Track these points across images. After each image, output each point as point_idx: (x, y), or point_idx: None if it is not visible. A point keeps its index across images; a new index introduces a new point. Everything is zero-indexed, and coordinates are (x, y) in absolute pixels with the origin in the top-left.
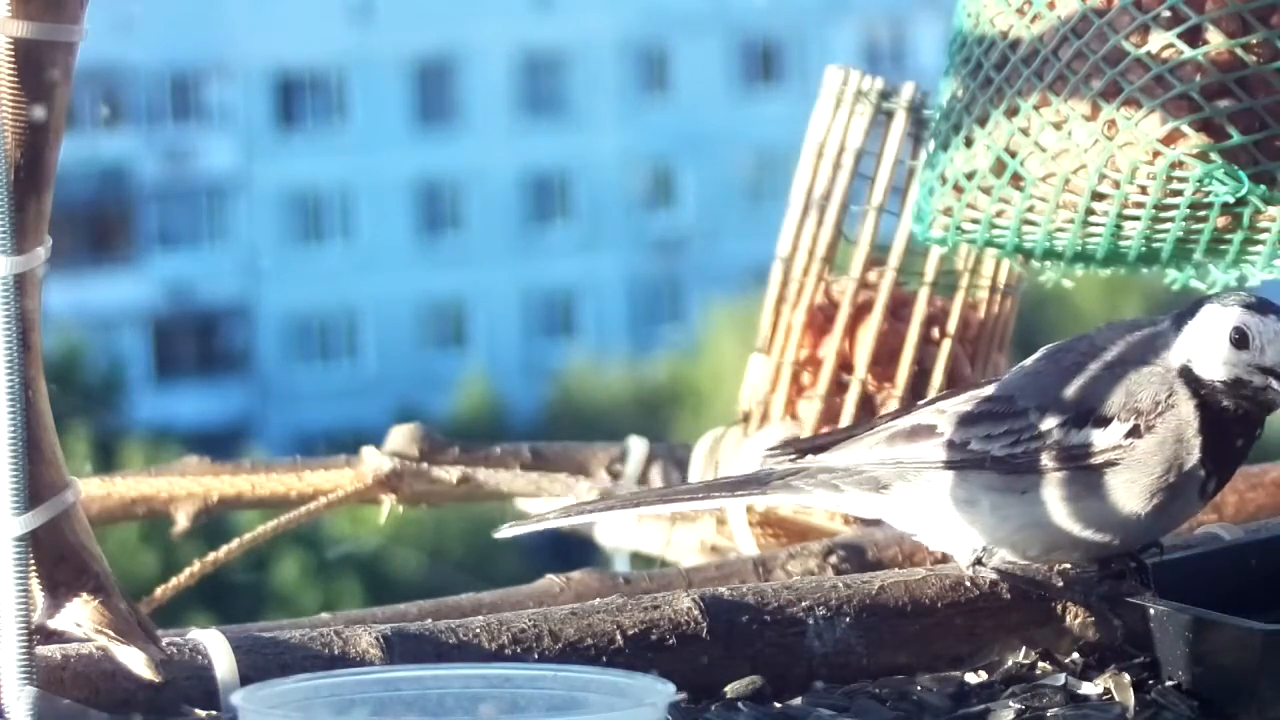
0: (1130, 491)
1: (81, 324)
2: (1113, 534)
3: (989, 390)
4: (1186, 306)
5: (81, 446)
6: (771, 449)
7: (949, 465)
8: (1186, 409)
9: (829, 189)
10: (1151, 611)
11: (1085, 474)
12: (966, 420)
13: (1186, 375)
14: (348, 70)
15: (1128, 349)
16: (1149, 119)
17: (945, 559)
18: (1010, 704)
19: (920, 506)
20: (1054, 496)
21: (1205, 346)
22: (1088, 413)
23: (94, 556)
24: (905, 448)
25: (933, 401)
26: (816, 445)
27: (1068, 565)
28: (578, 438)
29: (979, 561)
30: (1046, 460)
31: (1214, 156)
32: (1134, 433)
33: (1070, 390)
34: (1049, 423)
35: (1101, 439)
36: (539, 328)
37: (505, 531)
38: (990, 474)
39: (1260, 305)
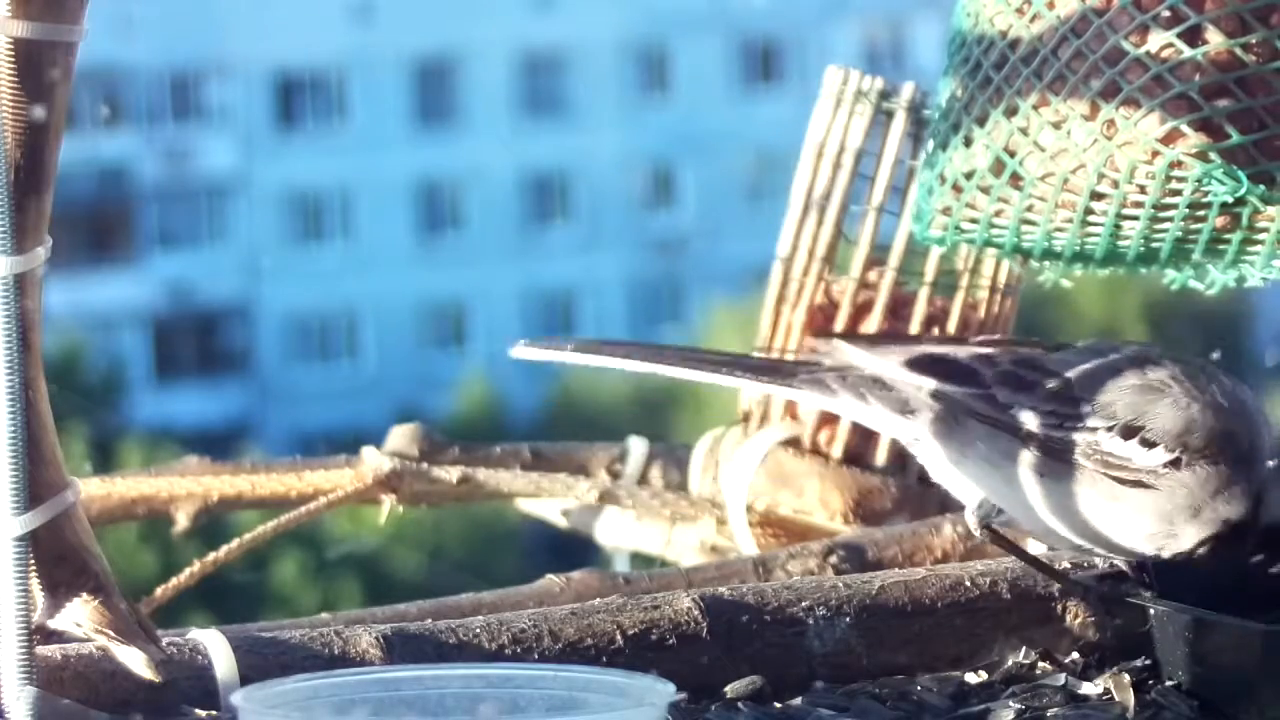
0: (1140, 515)
1: (81, 324)
2: (1108, 546)
3: (1047, 361)
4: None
5: (81, 447)
6: (814, 332)
7: (984, 419)
8: (1238, 478)
9: (829, 189)
10: (1151, 611)
11: (1107, 482)
12: (1017, 384)
13: (1259, 461)
14: (348, 70)
15: (1209, 385)
16: (1148, 119)
17: (945, 559)
18: (1010, 704)
19: (941, 445)
20: (1068, 490)
21: None
22: (1138, 428)
23: (94, 556)
24: (947, 384)
25: (986, 344)
26: (860, 337)
27: (1067, 566)
28: (578, 438)
29: (986, 519)
30: (1079, 456)
31: (1213, 156)
32: (1174, 464)
33: (1130, 399)
34: (1096, 421)
35: (1141, 458)
36: (539, 328)
37: (519, 351)
38: (1020, 445)
39: None
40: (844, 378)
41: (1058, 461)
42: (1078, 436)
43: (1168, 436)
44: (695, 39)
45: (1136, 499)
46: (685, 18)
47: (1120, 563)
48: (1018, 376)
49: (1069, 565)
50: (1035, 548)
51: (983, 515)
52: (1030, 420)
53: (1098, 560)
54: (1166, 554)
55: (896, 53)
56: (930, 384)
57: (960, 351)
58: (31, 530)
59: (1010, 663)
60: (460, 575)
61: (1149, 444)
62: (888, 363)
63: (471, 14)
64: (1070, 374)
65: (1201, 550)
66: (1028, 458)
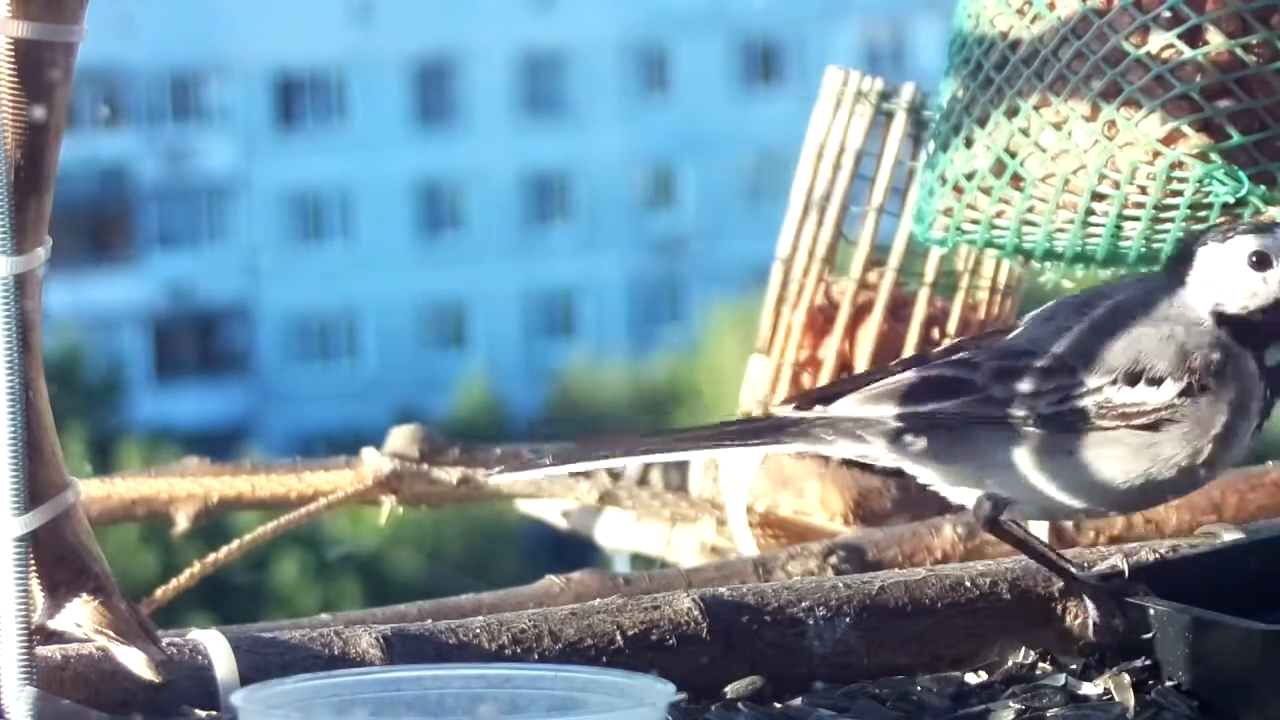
0: (1184, 448)
1: (81, 324)
2: (1158, 491)
3: (1019, 344)
4: (1173, 258)
5: (81, 447)
6: (783, 401)
7: (994, 421)
8: (1240, 357)
9: (829, 190)
10: (1151, 611)
11: (1135, 433)
12: (1006, 376)
13: (1221, 319)
14: (348, 70)
15: (1152, 304)
16: (1149, 119)
17: (945, 559)
18: (1010, 704)
19: (950, 460)
20: (1104, 456)
21: (1225, 284)
22: (1139, 372)
23: (94, 557)
24: (945, 403)
25: (951, 350)
26: (827, 395)
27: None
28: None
29: (993, 513)
30: (1097, 419)
31: (1214, 157)
32: (1188, 391)
33: (1114, 348)
34: (1097, 380)
35: (1155, 397)
36: (539, 328)
37: (496, 478)
38: (1034, 433)
39: (1260, 227)
40: (834, 425)
41: (1075, 434)
42: (1087, 402)
43: (1170, 369)
44: (695, 39)
45: (1172, 435)
46: (685, 18)
47: (1119, 561)
48: (1005, 369)
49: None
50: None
51: (987, 512)
52: (1037, 404)
53: (1110, 560)
54: (1218, 469)
55: (896, 53)
56: (927, 409)
57: (936, 369)
58: (31, 530)
59: (1010, 663)
60: (460, 575)
61: (1156, 381)
62: (880, 409)
63: (471, 14)
64: (1052, 347)
65: (1262, 420)
66: (1044, 442)
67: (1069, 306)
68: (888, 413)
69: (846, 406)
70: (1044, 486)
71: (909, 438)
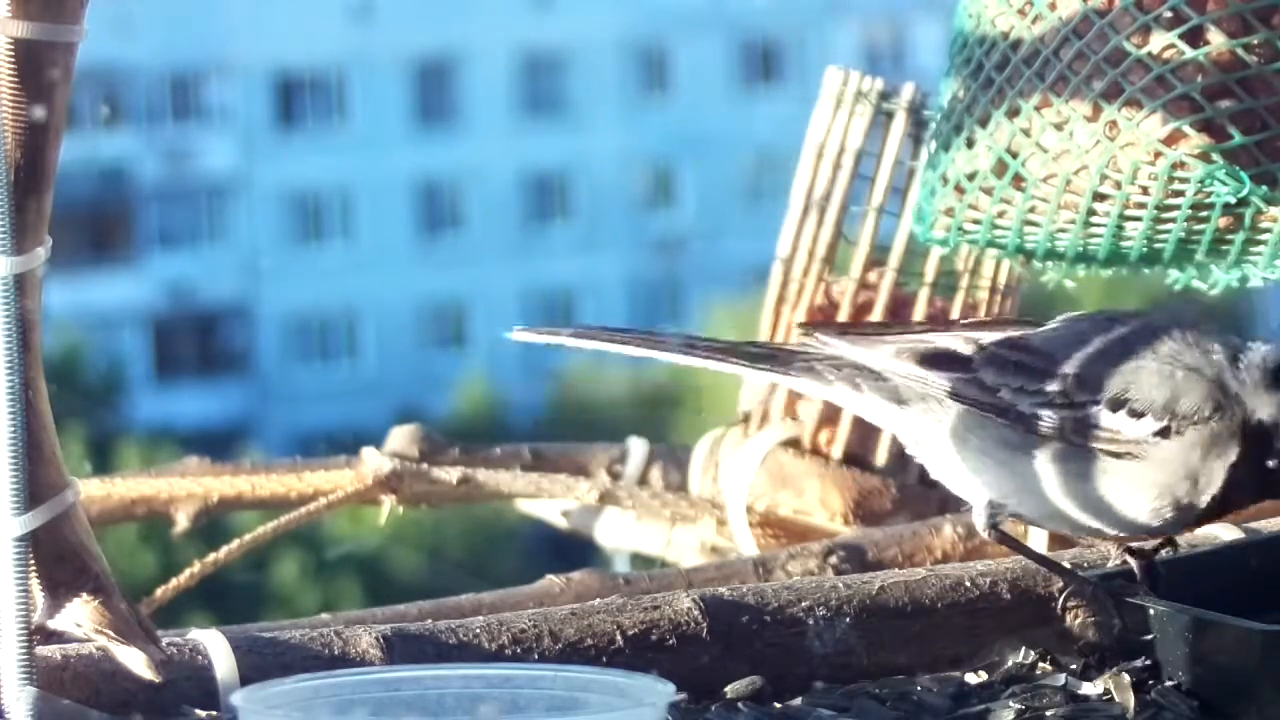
0: (1138, 488)
1: (81, 324)
2: (1104, 521)
3: (1032, 340)
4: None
5: (81, 447)
6: (806, 325)
7: (973, 404)
8: (1224, 432)
9: (829, 189)
10: (1151, 611)
11: (1101, 458)
12: (1002, 365)
13: (1238, 402)
14: (348, 70)
15: (1186, 350)
16: (1150, 120)
17: (945, 559)
18: (1010, 704)
19: (932, 435)
20: (1064, 470)
21: (1263, 385)
22: (1124, 401)
23: (94, 556)
24: (934, 371)
25: (974, 325)
26: (854, 330)
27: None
28: (578, 438)
29: (994, 520)
30: (1069, 432)
31: (1215, 157)
32: (1164, 433)
33: (1115, 371)
34: (1083, 396)
35: (1130, 429)
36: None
37: (518, 335)
38: (1008, 428)
39: None
40: (838, 367)
41: (1051, 441)
42: (1064, 414)
43: (1154, 406)
44: (695, 39)
45: (1132, 471)
46: (685, 18)
47: (1117, 555)
48: (1003, 358)
49: (1071, 565)
50: (1037, 540)
51: (990, 516)
52: (1019, 400)
53: (1110, 549)
54: (1175, 523)
55: (896, 53)
56: (919, 373)
57: (947, 338)
58: (31, 530)
59: (1010, 663)
60: (460, 575)
61: (1137, 415)
62: (877, 354)
63: (471, 14)
64: (1056, 351)
65: (1210, 507)
66: (1015, 440)
67: (1104, 320)
68: (885, 366)
69: (852, 349)
70: (1017, 485)
71: (900, 399)
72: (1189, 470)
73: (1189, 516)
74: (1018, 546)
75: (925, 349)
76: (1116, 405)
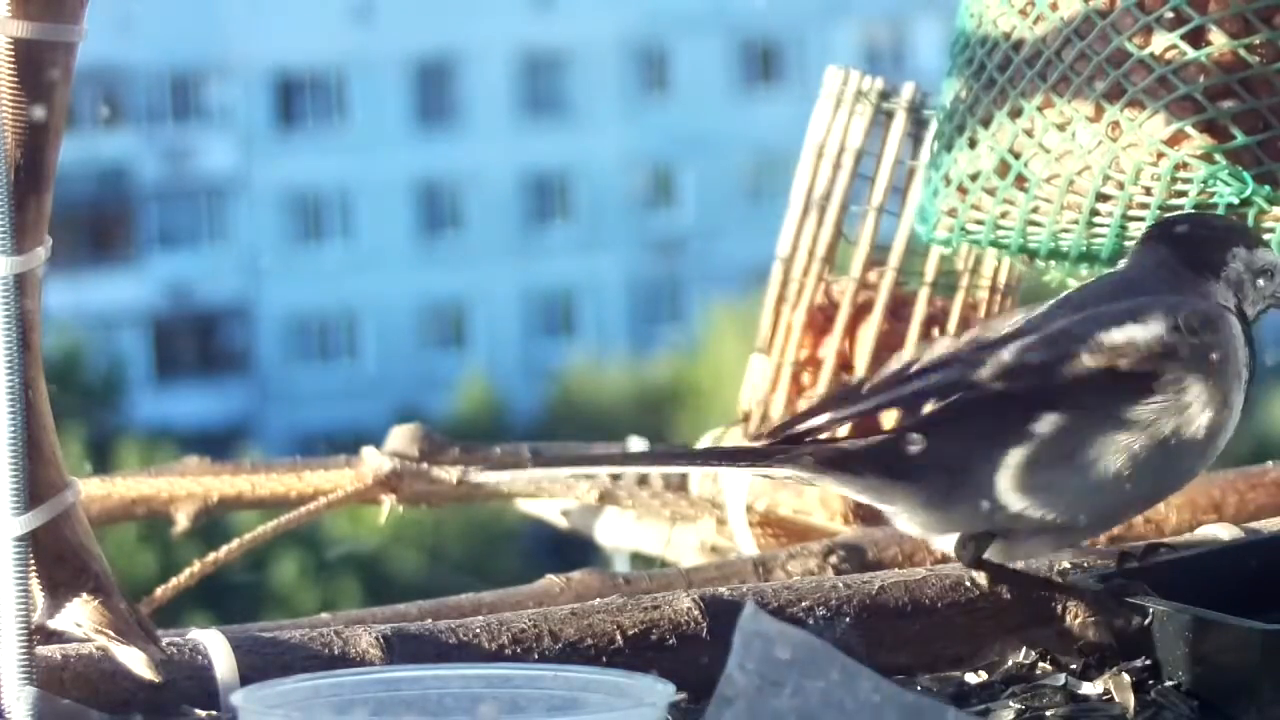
0: (1184, 418)
1: (81, 324)
2: (1162, 476)
3: (1002, 330)
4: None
5: (81, 447)
6: (768, 432)
7: (982, 404)
8: (1231, 327)
9: (829, 189)
10: (1151, 611)
11: (1134, 407)
12: (988, 352)
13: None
14: (348, 70)
15: (1154, 283)
16: (1153, 120)
17: (945, 559)
18: (1010, 704)
19: (947, 477)
20: (1105, 440)
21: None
22: (1126, 317)
23: (94, 556)
24: (933, 404)
25: (906, 371)
26: (808, 418)
27: (1066, 566)
28: (578, 438)
29: (977, 554)
30: (1091, 376)
31: (1218, 157)
32: (1176, 330)
33: (1107, 310)
34: (1085, 330)
35: (1143, 334)
36: (539, 328)
37: (475, 477)
38: (1029, 412)
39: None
40: (815, 454)
41: (1070, 409)
42: (1080, 352)
43: (1157, 318)
44: (695, 39)
45: (1169, 407)
46: (685, 18)
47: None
48: (986, 349)
49: (1069, 566)
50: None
51: (971, 553)
52: (1027, 362)
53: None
54: (1219, 442)
55: (896, 53)
56: (915, 418)
57: (909, 386)
58: (31, 530)
59: (1010, 663)
60: (460, 575)
61: (1143, 322)
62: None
63: (471, 14)
64: (1044, 324)
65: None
66: (1041, 426)
67: (1067, 299)
68: (879, 440)
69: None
70: (1045, 489)
71: (898, 462)
72: (1220, 372)
73: (1228, 432)
74: (1008, 576)
75: (906, 401)
76: (1121, 322)
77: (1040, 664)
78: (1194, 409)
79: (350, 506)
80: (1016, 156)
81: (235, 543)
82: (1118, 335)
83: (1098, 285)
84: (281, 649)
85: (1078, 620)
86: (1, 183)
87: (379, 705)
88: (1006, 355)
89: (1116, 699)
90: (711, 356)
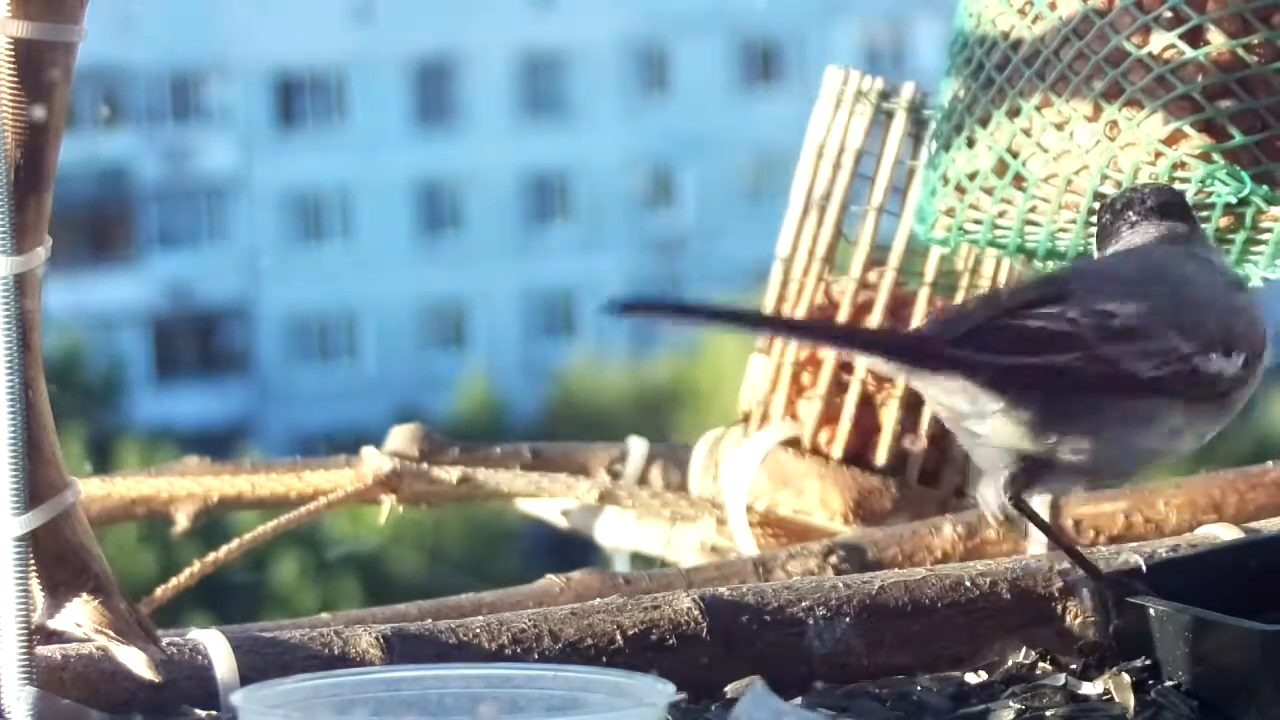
0: (1219, 419)
1: (81, 324)
2: (1170, 454)
3: (1109, 305)
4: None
5: (81, 447)
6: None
7: (1096, 381)
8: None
9: (829, 189)
10: (1151, 611)
11: (1202, 403)
12: (1109, 336)
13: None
14: (348, 70)
15: (1205, 267)
16: (1151, 120)
17: (945, 559)
18: (1010, 704)
19: (1031, 411)
20: (1175, 425)
21: None
22: (1214, 342)
23: (94, 556)
24: (1046, 357)
25: (1030, 305)
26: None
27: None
28: (578, 438)
29: (1018, 493)
30: (1183, 387)
31: (1216, 157)
32: (1248, 364)
33: (1200, 317)
34: (1187, 349)
35: (1229, 369)
36: (539, 328)
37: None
38: (1130, 397)
39: None
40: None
41: (1163, 398)
42: (1176, 368)
43: (1238, 340)
44: (695, 39)
45: (1221, 406)
46: (685, 18)
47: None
48: (1109, 329)
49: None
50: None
51: (1020, 485)
52: (1139, 366)
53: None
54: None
55: (896, 53)
56: (1029, 360)
57: (1041, 320)
58: (31, 530)
59: (1010, 663)
60: (460, 575)
61: (1229, 353)
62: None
63: (471, 14)
64: (1136, 310)
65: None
66: (1137, 409)
67: (1143, 262)
68: (991, 359)
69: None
70: (1108, 446)
71: (1001, 389)
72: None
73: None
74: (1037, 520)
75: (1028, 333)
76: (1212, 348)
77: (1040, 664)
78: (1235, 405)
79: (350, 506)
80: (1014, 156)
81: (235, 543)
82: (1216, 365)
83: (1138, 262)
84: (281, 649)
85: (1078, 620)
86: (1, 183)
87: (379, 705)
88: (1123, 346)
89: (1116, 699)
90: (711, 357)
